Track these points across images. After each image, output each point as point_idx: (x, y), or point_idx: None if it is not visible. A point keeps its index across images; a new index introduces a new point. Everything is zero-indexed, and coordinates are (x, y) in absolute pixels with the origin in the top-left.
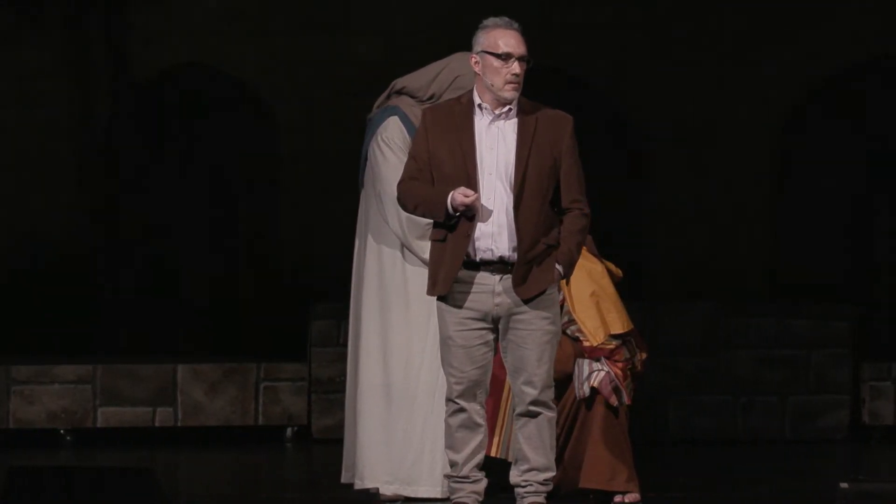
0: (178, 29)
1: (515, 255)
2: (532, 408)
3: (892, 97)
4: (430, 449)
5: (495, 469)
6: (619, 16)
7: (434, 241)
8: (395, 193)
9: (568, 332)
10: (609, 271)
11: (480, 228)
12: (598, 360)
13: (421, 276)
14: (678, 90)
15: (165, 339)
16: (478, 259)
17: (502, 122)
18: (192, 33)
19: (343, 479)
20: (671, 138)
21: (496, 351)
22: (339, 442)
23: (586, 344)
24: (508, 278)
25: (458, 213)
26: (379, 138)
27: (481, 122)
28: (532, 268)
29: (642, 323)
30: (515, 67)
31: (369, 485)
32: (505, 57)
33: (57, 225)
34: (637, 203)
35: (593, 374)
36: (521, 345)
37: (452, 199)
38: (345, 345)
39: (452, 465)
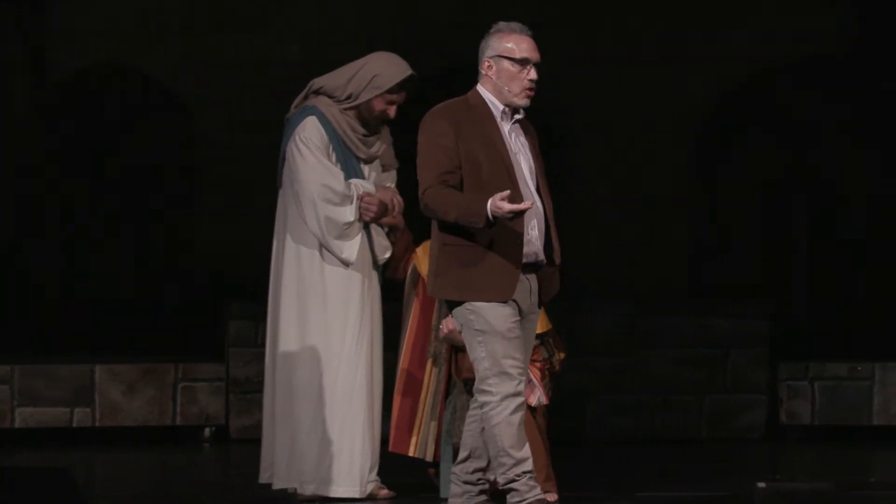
0: (97, 28)
1: (554, 259)
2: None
3: (809, 98)
4: (348, 449)
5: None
6: (543, 16)
7: (461, 245)
8: (313, 193)
9: None
10: None
11: (528, 233)
12: None
13: (339, 275)
14: (598, 91)
15: (83, 339)
16: (524, 262)
17: (517, 127)
18: (111, 32)
19: (261, 479)
20: (592, 138)
21: (418, 344)
22: (256, 442)
23: None
24: (536, 276)
25: (495, 220)
26: (297, 138)
27: (504, 127)
28: (556, 271)
29: (561, 322)
30: (533, 73)
31: (287, 485)
32: (523, 62)
33: None
34: (557, 202)
35: None
36: (526, 340)
37: (496, 207)
38: (263, 345)
39: (520, 462)
